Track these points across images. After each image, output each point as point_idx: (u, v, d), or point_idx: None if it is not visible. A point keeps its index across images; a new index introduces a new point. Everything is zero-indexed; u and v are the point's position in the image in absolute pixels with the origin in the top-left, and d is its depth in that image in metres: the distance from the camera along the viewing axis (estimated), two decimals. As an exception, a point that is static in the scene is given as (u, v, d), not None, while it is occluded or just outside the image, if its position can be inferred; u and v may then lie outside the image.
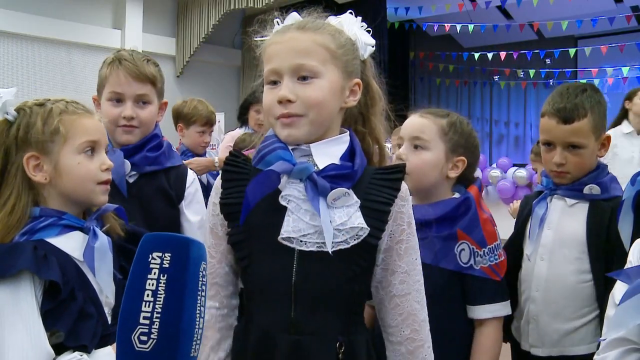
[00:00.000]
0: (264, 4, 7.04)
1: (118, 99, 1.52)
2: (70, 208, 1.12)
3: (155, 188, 1.54)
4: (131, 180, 1.53)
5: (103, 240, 1.11)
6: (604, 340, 0.99)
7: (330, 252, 1.00)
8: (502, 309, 1.48)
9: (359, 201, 1.03)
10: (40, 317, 0.98)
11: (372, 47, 1.15)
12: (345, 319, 1.06)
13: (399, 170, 1.09)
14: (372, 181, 1.07)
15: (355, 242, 1.02)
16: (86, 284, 1.07)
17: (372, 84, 1.17)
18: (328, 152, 1.06)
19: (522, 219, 1.72)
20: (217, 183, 1.15)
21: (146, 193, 1.53)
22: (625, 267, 1.05)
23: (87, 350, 1.00)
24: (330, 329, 1.04)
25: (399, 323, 1.10)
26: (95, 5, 7.43)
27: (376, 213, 1.05)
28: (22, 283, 0.98)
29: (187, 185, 1.62)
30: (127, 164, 1.52)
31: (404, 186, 1.10)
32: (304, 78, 1.04)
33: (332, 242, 1.01)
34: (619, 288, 1.02)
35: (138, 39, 7.68)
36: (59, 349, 0.98)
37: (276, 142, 1.07)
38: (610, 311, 1.04)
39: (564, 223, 1.54)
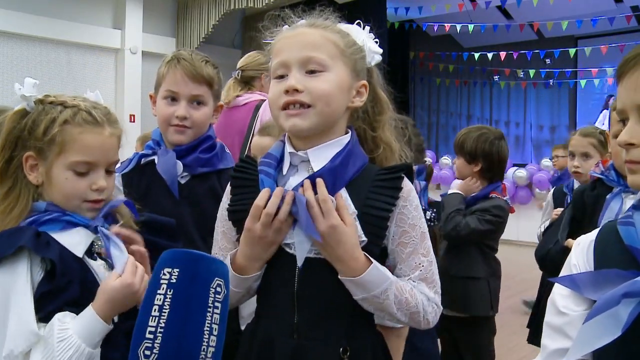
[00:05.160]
0: (264, 4, 7.04)
1: (173, 98, 1.51)
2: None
3: (206, 189, 1.52)
4: (183, 181, 1.51)
5: (121, 246, 1.10)
6: None
7: (299, 265, 1.01)
8: None
9: (356, 211, 1.03)
10: (33, 298, 0.99)
11: (380, 56, 1.13)
12: (350, 324, 1.05)
13: (401, 169, 1.07)
14: (374, 184, 1.06)
15: None
16: (88, 279, 1.07)
17: (379, 93, 1.16)
18: (325, 156, 1.05)
19: (584, 209, 1.72)
20: (228, 189, 1.16)
21: (197, 194, 1.52)
22: (565, 270, 0.95)
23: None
24: (333, 334, 1.04)
25: None
26: (95, 5, 7.43)
27: (376, 219, 1.03)
28: (20, 262, 1.00)
29: None
30: (180, 164, 1.51)
31: (407, 186, 1.07)
32: (312, 72, 1.03)
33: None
34: (561, 293, 0.92)
35: (138, 39, 7.68)
36: None
37: (264, 164, 1.08)
38: (552, 319, 0.92)
39: None
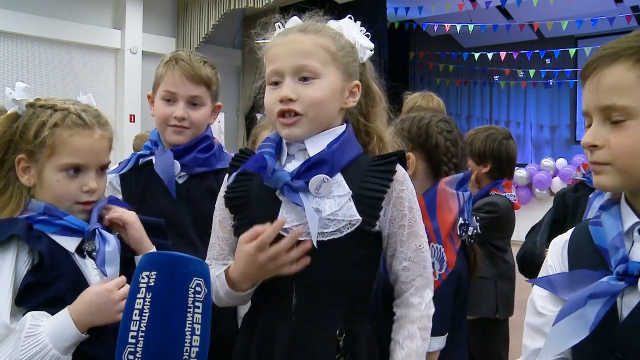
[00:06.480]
0: (263, 4, 7.04)
1: (171, 99, 1.52)
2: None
3: (204, 189, 1.52)
4: (180, 181, 1.52)
5: (113, 244, 1.12)
6: None
7: (314, 245, 1.02)
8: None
9: (350, 192, 1.05)
10: (14, 290, 0.99)
11: (371, 50, 1.17)
12: (347, 308, 1.07)
13: (395, 154, 1.11)
14: (368, 168, 1.09)
15: (349, 230, 1.04)
16: (76, 276, 1.08)
17: (372, 86, 1.20)
18: (322, 144, 1.08)
19: (565, 211, 1.73)
20: (225, 178, 1.18)
21: (195, 194, 1.51)
22: (542, 271, 0.97)
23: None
24: (331, 317, 1.06)
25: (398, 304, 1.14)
26: (95, 5, 7.44)
27: (370, 200, 1.06)
28: (7, 252, 1.01)
29: None
30: (177, 164, 1.51)
31: (401, 170, 1.10)
32: (305, 79, 1.06)
33: (325, 232, 1.04)
34: (539, 294, 0.94)
35: (138, 39, 7.68)
36: None
37: (266, 146, 1.11)
38: (531, 319, 0.95)
39: None
